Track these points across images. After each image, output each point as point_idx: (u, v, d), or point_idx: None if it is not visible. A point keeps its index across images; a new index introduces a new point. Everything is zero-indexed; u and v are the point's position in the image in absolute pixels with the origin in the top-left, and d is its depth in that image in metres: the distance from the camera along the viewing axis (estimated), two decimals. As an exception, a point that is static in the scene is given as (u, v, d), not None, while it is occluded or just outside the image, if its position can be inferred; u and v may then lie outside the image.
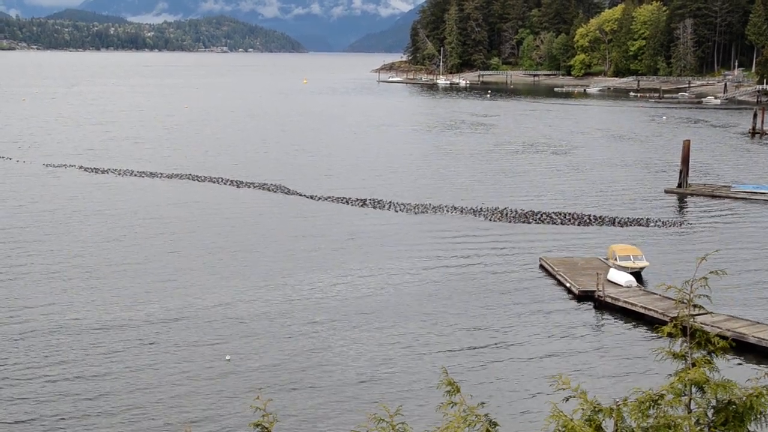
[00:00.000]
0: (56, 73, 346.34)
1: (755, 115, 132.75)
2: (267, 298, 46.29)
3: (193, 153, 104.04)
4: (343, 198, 75.00)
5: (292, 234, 61.91)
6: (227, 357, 37.70)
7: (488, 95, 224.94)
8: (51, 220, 64.91)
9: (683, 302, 13.62)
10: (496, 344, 39.98)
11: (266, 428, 10.16)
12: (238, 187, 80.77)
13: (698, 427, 10.19)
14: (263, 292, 47.37)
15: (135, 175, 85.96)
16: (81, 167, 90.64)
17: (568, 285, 48.70)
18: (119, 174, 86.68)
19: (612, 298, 45.57)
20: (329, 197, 75.48)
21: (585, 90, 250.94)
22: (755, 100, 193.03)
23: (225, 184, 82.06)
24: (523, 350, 39.36)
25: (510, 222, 66.95)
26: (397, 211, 70.55)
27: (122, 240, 59.01)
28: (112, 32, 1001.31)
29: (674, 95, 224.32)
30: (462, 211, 70.55)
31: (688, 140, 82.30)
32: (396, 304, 45.76)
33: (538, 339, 40.85)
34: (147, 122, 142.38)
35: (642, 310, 43.80)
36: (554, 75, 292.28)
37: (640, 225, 66.29)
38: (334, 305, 45.28)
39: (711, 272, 13.24)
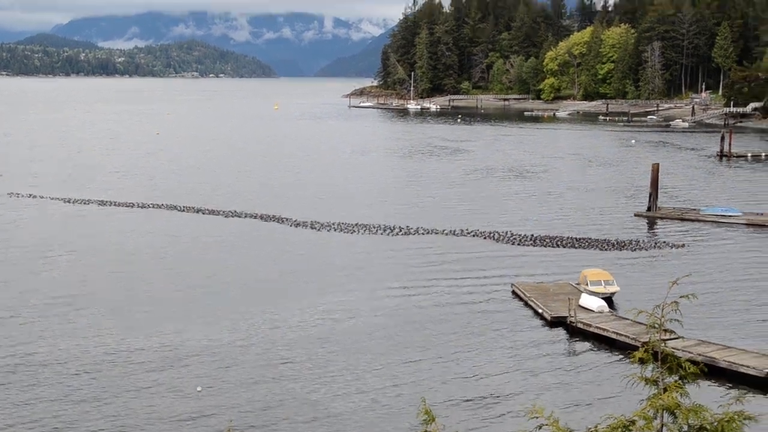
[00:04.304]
0: (26, 100, 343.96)
1: (723, 138, 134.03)
2: (242, 329, 45.99)
3: (167, 181, 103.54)
4: (316, 223, 74.75)
5: (268, 263, 61.72)
6: (198, 388, 37.48)
7: (459, 120, 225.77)
8: (20, 255, 64.01)
9: (654, 327, 13.77)
10: (468, 373, 39.92)
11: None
12: (211, 215, 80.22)
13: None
14: (237, 324, 47.08)
15: (109, 205, 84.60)
16: (53, 197, 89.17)
17: (540, 311, 48.82)
18: (96, 204, 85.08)
19: (584, 323, 45.72)
20: (303, 223, 75.20)
21: (555, 114, 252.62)
22: (723, 123, 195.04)
23: (196, 212, 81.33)
24: (496, 378, 39.35)
25: (482, 246, 67.10)
26: (367, 236, 70.54)
27: (100, 273, 58.49)
28: (82, 58, 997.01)
29: (643, 118, 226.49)
30: (434, 235, 70.71)
31: (657, 164, 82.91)
32: (367, 334, 45.60)
33: (511, 366, 40.88)
34: (118, 150, 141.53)
35: (614, 336, 43.94)
36: (524, 99, 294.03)
37: (610, 249, 66.61)
38: (304, 335, 45.05)
39: (682, 296, 13.39)
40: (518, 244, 68.15)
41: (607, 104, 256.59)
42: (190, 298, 52.13)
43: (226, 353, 41.93)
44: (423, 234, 71.73)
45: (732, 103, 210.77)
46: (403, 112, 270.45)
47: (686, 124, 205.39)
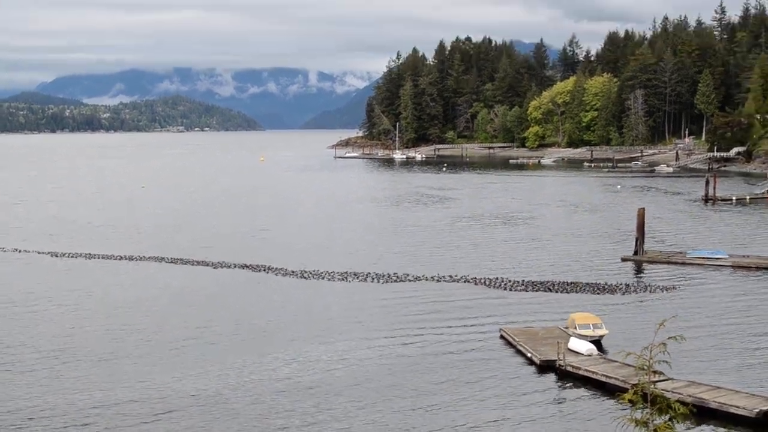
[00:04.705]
0: (11, 155, 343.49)
1: (707, 182, 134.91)
2: (231, 380, 45.74)
3: (153, 233, 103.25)
4: (305, 272, 74.63)
5: (257, 313, 61.50)
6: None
7: (444, 168, 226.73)
8: (7, 309, 63.32)
9: (643, 369, 13.81)
10: (460, 420, 39.69)
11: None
12: (200, 265, 79.97)
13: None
14: (226, 374, 46.83)
15: (96, 258, 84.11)
16: (40, 251, 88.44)
17: (529, 355, 48.77)
18: (84, 257, 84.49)
19: (573, 367, 45.69)
20: (292, 272, 75.09)
21: (540, 161, 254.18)
22: (707, 168, 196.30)
23: (184, 264, 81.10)
24: (487, 425, 39.15)
25: (471, 292, 67.05)
26: (356, 284, 70.40)
27: (88, 326, 58.05)
28: (67, 114, 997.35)
29: (627, 164, 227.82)
30: (423, 282, 70.66)
31: (643, 208, 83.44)
32: (357, 383, 45.30)
33: (502, 412, 40.70)
34: (104, 203, 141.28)
35: (603, 379, 43.90)
36: (509, 147, 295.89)
37: (598, 293, 66.70)
38: (294, 385, 44.80)
39: (670, 338, 13.47)
40: (507, 290, 68.16)
41: (592, 151, 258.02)
42: (179, 348, 51.82)
43: (216, 404, 41.66)
44: (412, 281, 71.69)
45: (715, 147, 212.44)
46: (389, 162, 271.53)
47: (671, 170, 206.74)
